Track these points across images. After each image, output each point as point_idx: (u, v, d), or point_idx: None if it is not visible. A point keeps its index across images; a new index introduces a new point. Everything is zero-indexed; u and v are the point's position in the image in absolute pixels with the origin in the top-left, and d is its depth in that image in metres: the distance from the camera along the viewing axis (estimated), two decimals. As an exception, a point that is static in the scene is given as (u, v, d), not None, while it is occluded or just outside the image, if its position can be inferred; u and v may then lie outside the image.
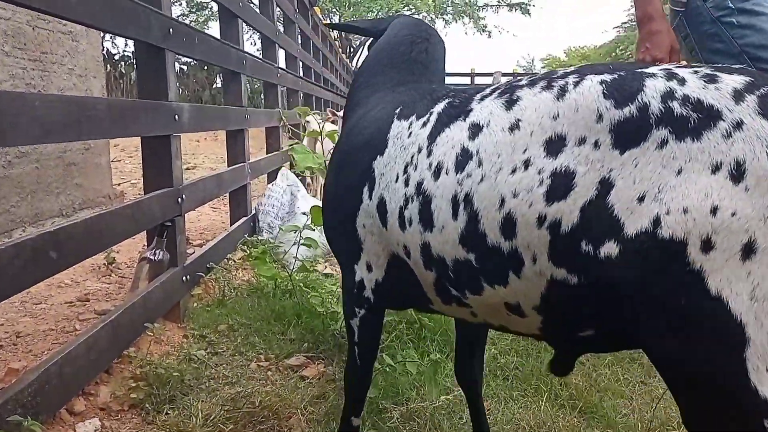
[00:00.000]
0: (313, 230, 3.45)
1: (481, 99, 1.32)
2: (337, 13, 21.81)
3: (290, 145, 5.38)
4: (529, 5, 23.30)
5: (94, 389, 2.17)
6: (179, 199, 2.96)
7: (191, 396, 2.24)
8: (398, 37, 1.88)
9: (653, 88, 1.08)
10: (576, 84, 1.16)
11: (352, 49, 22.88)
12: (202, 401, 2.19)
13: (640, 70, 1.13)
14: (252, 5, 5.42)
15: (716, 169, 0.98)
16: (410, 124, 1.46)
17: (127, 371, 2.34)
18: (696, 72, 1.07)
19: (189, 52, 3.31)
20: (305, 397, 2.25)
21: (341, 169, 1.64)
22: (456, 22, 23.43)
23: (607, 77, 1.14)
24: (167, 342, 2.69)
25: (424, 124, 1.41)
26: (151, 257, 2.78)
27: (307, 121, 5.69)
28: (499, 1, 23.36)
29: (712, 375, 0.97)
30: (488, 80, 16.58)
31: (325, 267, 3.96)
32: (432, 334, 2.64)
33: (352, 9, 21.57)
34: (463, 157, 1.25)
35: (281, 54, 6.85)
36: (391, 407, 2.16)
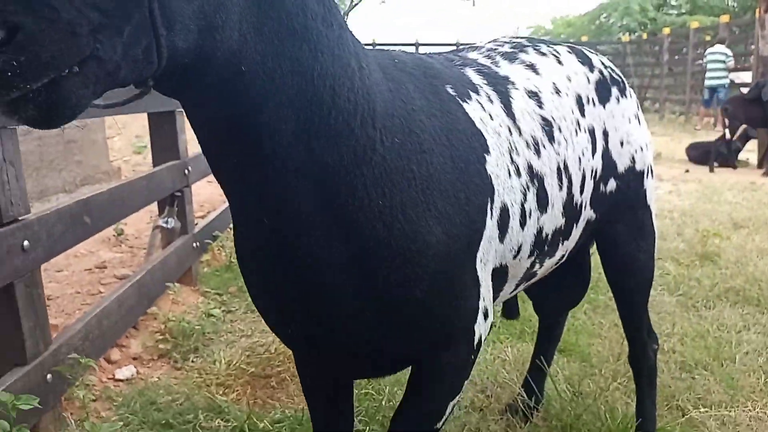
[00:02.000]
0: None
1: (498, 64, 1.29)
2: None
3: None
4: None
5: (125, 342, 2.42)
6: (186, 171, 3.16)
7: (213, 346, 2.50)
8: None
9: (596, 59, 1.52)
10: (557, 51, 1.46)
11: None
12: (223, 350, 2.44)
13: (574, 45, 1.54)
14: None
15: (635, 117, 1.51)
16: (480, 104, 1.15)
17: (153, 327, 2.59)
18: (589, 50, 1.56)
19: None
20: (314, 345, 2.51)
21: (450, 204, 1.01)
22: (441, -9, 23.28)
23: (566, 48, 1.49)
24: (184, 302, 2.93)
25: (490, 100, 1.18)
26: (164, 225, 3.00)
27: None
28: (482, -31, 23.25)
29: (646, 259, 1.58)
30: (474, 50, 16.63)
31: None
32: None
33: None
34: (547, 128, 1.25)
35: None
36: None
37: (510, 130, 1.18)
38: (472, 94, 1.14)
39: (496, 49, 1.36)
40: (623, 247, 1.54)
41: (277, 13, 0.79)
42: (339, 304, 0.97)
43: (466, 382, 1.18)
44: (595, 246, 1.68)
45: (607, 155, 1.43)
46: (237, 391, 2.16)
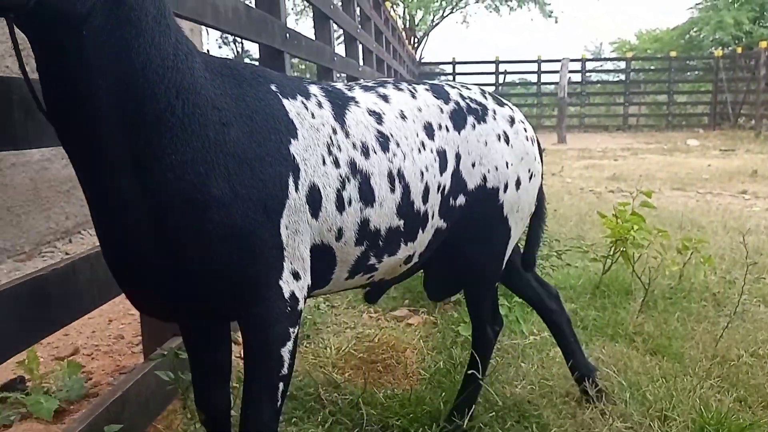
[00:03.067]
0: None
1: (352, 89, 1.56)
2: (402, 4, 22.20)
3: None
4: (598, -12, 22.82)
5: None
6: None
7: (322, 334, 2.77)
8: None
9: (454, 93, 1.74)
10: (415, 88, 1.69)
11: (416, 40, 23.24)
12: (332, 338, 2.70)
13: (434, 83, 1.78)
14: (338, 5, 5.93)
15: (499, 139, 1.73)
16: (304, 104, 1.38)
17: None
18: (458, 85, 1.80)
19: (298, 53, 3.83)
20: (414, 337, 2.72)
21: (240, 167, 1.22)
22: (521, 8, 23.30)
23: (424, 86, 1.73)
24: (292, 297, 3.23)
25: (320, 106, 1.41)
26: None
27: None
28: (565, -14, 23.02)
29: (491, 269, 1.84)
30: (556, 67, 16.50)
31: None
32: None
33: (416, 0, 21.89)
34: (381, 140, 1.49)
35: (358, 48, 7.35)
36: (488, 344, 2.59)
37: (334, 130, 1.41)
38: (298, 96, 1.37)
39: (361, 83, 1.64)
40: (470, 252, 1.77)
41: (120, 4, 1.04)
42: (135, 242, 1.15)
43: (293, 330, 1.31)
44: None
45: (457, 174, 1.65)
46: (348, 372, 2.40)
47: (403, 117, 1.57)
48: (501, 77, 19.85)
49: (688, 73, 20.55)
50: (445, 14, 23.63)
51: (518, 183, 1.77)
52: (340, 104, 1.46)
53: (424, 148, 1.59)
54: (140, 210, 1.12)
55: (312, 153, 1.34)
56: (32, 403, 1.93)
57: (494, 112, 1.76)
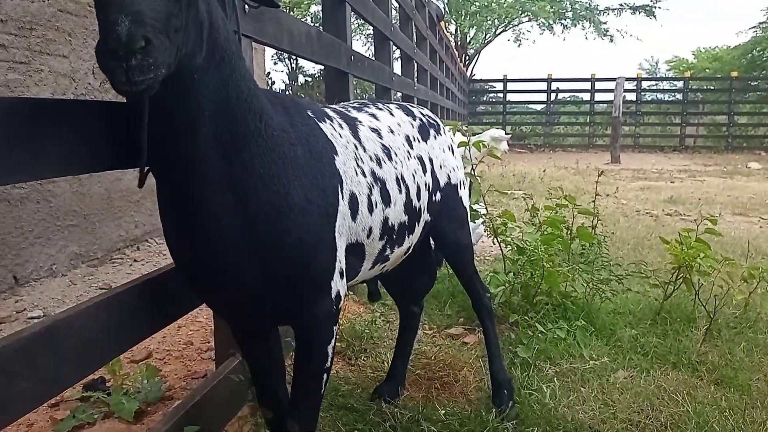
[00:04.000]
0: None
1: (350, 111, 1.82)
2: (454, 23, 22.33)
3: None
4: (655, 7, 22.40)
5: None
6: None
7: (379, 348, 2.83)
8: None
9: (417, 111, 2.15)
10: (389, 107, 2.04)
11: (467, 57, 23.29)
12: (388, 353, 2.75)
13: (400, 103, 2.20)
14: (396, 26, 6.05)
15: (449, 148, 2.20)
16: (332, 126, 1.61)
17: (328, 328, 2.97)
18: (414, 105, 2.21)
19: (361, 74, 3.94)
20: (470, 356, 2.75)
21: (305, 177, 1.40)
22: (575, 26, 23.04)
23: (395, 104, 2.12)
24: (347, 310, 3.30)
25: (341, 126, 1.65)
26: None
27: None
28: (621, 4, 22.68)
29: (467, 242, 2.27)
30: (611, 85, 16.23)
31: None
32: (575, 314, 3.04)
33: (469, 18, 21.97)
34: (386, 152, 1.79)
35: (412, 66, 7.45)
36: (546, 366, 2.59)
37: (356, 147, 1.66)
38: (326, 119, 1.60)
39: (346, 106, 1.91)
40: (451, 236, 2.20)
41: (217, 48, 1.20)
42: (227, 249, 1.28)
43: (336, 329, 1.51)
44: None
45: (434, 175, 2.05)
46: (407, 388, 2.45)
47: (391, 131, 1.90)
48: (553, 95, 19.65)
49: (750, 94, 19.84)
50: (497, 32, 23.60)
51: (464, 182, 2.29)
52: (351, 124, 1.72)
53: (410, 156, 1.93)
54: (233, 219, 1.26)
55: (348, 166, 1.58)
56: (115, 403, 2.05)
57: (441, 127, 2.25)
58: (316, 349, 1.48)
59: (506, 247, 3.44)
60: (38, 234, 3.73)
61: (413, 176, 1.89)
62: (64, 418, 2.08)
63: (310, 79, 24.78)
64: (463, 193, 2.27)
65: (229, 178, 1.24)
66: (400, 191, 1.80)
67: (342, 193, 1.50)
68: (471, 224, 3.16)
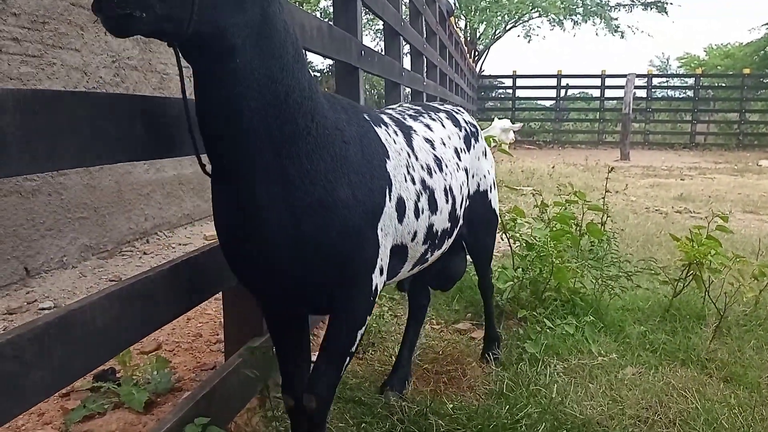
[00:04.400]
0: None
1: (406, 119, 1.91)
2: (464, 18, 22.23)
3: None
4: (667, 3, 22.21)
5: (317, 332, 2.82)
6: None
7: (386, 343, 2.83)
8: None
9: (462, 120, 2.25)
10: (440, 117, 2.12)
11: (476, 53, 23.19)
12: (396, 347, 2.75)
13: (449, 108, 2.30)
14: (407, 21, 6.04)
15: (483, 154, 2.34)
16: (387, 131, 1.67)
17: (336, 322, 2.98)
18: (457, 110, 2.34)
19: (371, 69, 3.94)
20: (478, 351, 2.75)
21: (353, 175, 1.46)
22: (586, 23, 22.89)
23: (445, 113, 2.20)
24: (357, 305, 3.31)
25: (396, 133, 1.73)
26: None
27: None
28: (632, 0, 22.50)
29: (492, 246, 2.55)
30: (621, 82, 16.12)
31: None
32: (584, 310, 3.03)
33: (479, 14, 21.88)
34: (437, 163, 1.89)
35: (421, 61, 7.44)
36: (554, 362, 2.59)
37: (408, 155, 1.74)
38: (381, 125, 1.67)
39: (404, 112, 2.01)
40: (482, 239, 2.42)
41: (268, 42, 1.26)
42: (275, 238, 1.34)
43: (369, 318, 1.61)
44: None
45: (471, 183, 2.20)
46: (414, 382, 2.45)
47: (443, 144, 2.00)
48: (562, 91, 19.54)
49: (762, 91, 19.65)
50: (507, 28, 23.49)
51: (495, 184, 2.44)
52: (405, 132, 1.80)
53: (459, 168, 2.04)
54: (281, 210, 1.33)
55: (399, 171, 1.64)
56: (125, 394, 2.07)
57: (479, 133, 2.34)
58: (348, 334, 1.56)
59: (515, 243, 3.43)
60: (49, 226, 3.76)
61: (460, 187, 2.03)
62: (74, 407, 2.10)
63: (319, 75, 24.80)
64: (493, 196, 2.40)
65: (278, 171, 1.31)
66: (447, 201, 1.90)
67: (390, 195, 1.57)
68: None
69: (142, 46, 4.65)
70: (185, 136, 1.42)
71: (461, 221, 2.11)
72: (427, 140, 1.91)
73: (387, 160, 1.58)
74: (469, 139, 2.22)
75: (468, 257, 2.50)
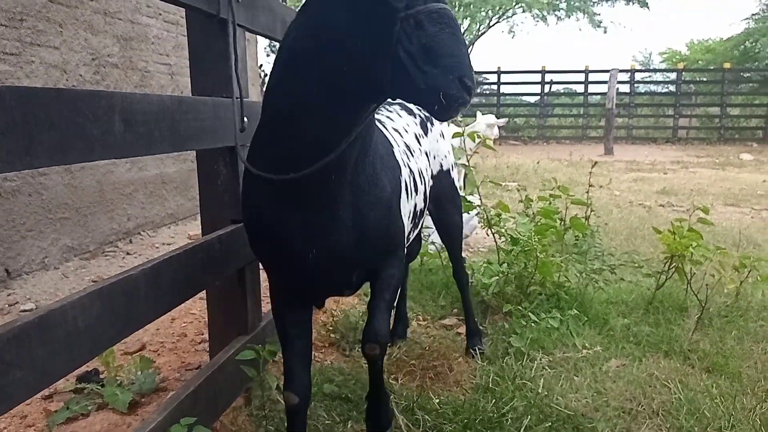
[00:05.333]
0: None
1: (380, 114, 2.15)
2: (448, 14, 22.16)
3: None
4: (648, -3, 22.35)
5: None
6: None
7: (374, 340, 2.83)
8: None
9: (415, 109, 2.37)
10: (395, 109, 2.32)
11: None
12: (384, 344, 2.76)
13: (402, 102, 2.39)
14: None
15: (441, 136, 2.50)
16: (384, 127, 1.97)
17: (322, 320, 2.98)
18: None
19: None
20: (464, 346, 2.76)
21: (387, 169, 1.78)
22: (569, 18, 23.00)
23: (398, 105, 2.37)
24: (343, 302, 3.31)
25: (385, 127, 1.99)
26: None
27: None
28: (615, -5, 22.64)
29: (460, 224, 2.65)
30: (604, 77, 16.25)
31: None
32: (569, 304, 3.05)
33: (463, 9, 21.90)
34: (408, 149, 2.07)
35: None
36: (539, 355, 2.60)
37: (397, 143, 1.97)
38: (377, 123, 1.84)
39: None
40: (451, 216, 2.58)
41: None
42: (341, 231, 1.58)
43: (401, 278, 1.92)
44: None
45: (435, 165, 2.39)
46: (401, 378, 2.46)
47: (406, 131, 2.19)
48: (546, 87, 19.64)
49: (742, 86, 19.90)
50: (491, 24, 23.54)
51: (454, 164, 2.61)
52: (382, 124, 1.98)
53: (421, 153, 2.23)
54: (348, 210, 1.57)
55: (399, 158, 1.86)
56: (109, 395, 2.05)
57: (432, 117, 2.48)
58: (392, 293, 1.83)
59: (500, 238, 3.44)
60: (30, 227, 3.71)
61: (427, 169, 2.24)
62: (57, 409, 2.07)
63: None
64: (454, 175, 2.60)
65: (351, 179, 1.55)
66: (422, 182, 2.10)
67: (401, 179, 1.82)
68: (465, 215, 3.17)
69: (123, 44, 4.59)
70: (165, 134, 1.41)
71: (429, 201, 2.30)
72: (395, 129, 2.10)
73: (393, 149, 1.83)
74: (425, 124, 2.42)
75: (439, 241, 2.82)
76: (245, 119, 1.94)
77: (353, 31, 1.30)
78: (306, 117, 1.40)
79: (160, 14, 5.12)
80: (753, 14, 21.67)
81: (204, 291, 2.09)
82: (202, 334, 2.79)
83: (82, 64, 4.13)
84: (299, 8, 1.49)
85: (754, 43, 21.56)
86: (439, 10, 1.27)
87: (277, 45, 1.76)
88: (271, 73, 1.52)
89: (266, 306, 2.69)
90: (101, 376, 2.28)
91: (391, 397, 2.21)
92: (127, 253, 4.33)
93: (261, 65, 9.80)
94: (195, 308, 3.12)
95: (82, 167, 4.09)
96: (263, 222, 1.59)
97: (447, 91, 1.23)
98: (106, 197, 4.39)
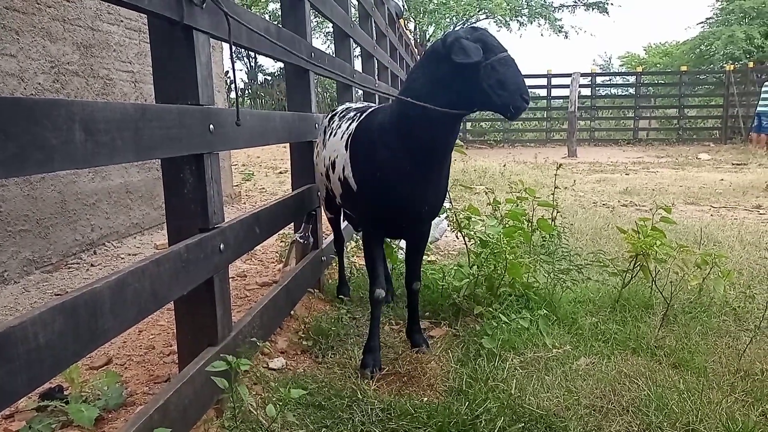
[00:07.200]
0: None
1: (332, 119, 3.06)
2: (413, 20, 22.38)
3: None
4: (607, 3, 22.96)
5: (273, 338, 2.78)
6: (318, 193, 3.55)
7: (346, 345, 2.82)
8: None
9: (335, 113, 3.13)
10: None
11: (427, 55, 23.32)
12: (356, 349, 2.74)
13: (364, 105, 3.12)
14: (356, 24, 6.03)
15: (334, 134, 2.95)
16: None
17: (294, 327, 2.94)
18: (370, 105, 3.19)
19: (321, 71, 3.91)
20: (437, 349, 2.76)
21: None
22: (531, 23, 23.44)
23: (368, 110, 2.82)
24: (314, 308, 3.28)
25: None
26: (301, 240, 3.38)
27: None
28: (575, 1, 23.17)
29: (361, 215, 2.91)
30: (566, 81, 16.57)
31: (428, 255, 4.47)
32: (538, 304, 3.09)
33: (427, 16, 22.08)
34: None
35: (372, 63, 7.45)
36: (511, 356, 2.63)
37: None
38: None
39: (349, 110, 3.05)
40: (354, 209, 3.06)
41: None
42: (440, 195, 2.56)
43: None
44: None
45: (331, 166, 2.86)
46: (374, 383, 2.45)
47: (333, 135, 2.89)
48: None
49: (699, 87, 20.55)
50: (455, 29, 23.80)
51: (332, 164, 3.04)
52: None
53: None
54: (436, 182, 2.48)
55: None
56: (74, 411, 1.98)
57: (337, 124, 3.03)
58: (425, 248, 2.79)
59: (470, 241, 3.47)
60: (-13, 240, 3.58)
61: (328, 161, 2.93)
62: (19, 429, 2.00)
63: (270, 78, 24.47)
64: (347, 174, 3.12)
65: (444, 171, 2.51)
66: (333, 171, 2.83)
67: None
68: (435, 218, 3.19)
69: (83, 51, 4.48)
70: (129, 143, 1.37)
71: None
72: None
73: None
74: (328, 128, 3.08)
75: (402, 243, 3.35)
76: (211, 126, 1.91)
77: (456, 78, 2.19)
78: (434, 122, 2.28)
79: (122, 21, 5.02)
80: (707, 18, 22.44)
81: (172, 302, 2.04)
82: (171, 346, 2.73)
83: (40, 72, 4.01)
84: (415, 65, 2.45)
85: (708, 47, 22.30)
86: (504, 58, 2.17)
87: (243, 51, 1.74)
88: (404, 103, 2.32)
89: (237, 315, 2.66)
90: (66, 393, 2.20)
91: (365, 400, 2.20)
92: (92, 265, 4.21)
93: (227, 72, 9.68)
94: (163, 319, 3.05)
95: (43, 178, 3.97)
96: (398, 185, 2.39)
97: (514, 104, 2.15)
98: (68, 208, 4.27)
